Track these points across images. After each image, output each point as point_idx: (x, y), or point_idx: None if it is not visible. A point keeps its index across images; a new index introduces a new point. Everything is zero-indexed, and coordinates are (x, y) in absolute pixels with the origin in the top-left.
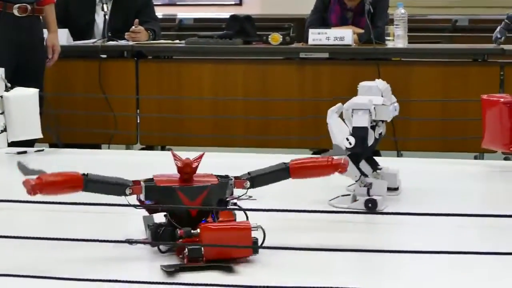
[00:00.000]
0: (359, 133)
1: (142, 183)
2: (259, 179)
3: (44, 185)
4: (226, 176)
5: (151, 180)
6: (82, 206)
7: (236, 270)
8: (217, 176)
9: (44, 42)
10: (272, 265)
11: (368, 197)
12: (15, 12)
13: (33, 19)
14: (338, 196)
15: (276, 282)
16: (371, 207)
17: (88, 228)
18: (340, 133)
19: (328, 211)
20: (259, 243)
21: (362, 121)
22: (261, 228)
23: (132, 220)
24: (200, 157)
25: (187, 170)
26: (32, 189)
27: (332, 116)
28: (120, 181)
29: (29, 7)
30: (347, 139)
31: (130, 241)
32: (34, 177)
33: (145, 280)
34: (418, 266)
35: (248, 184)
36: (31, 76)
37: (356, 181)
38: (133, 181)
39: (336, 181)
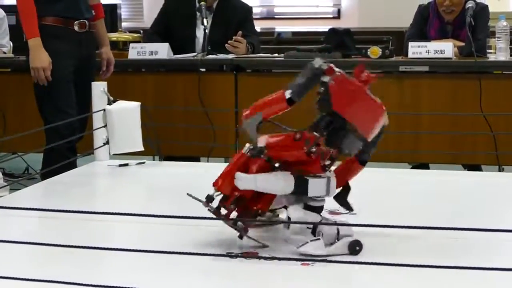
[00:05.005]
0: None
1: None
2: None
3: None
4: None
5: None
6: (187, 219)
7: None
8: None
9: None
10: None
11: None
12: (76, 28)
13: (89, 34)
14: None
15: None
16: (358, 250)
17: (181, 240)
18: None
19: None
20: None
21: None
22: None
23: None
24: None
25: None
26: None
27: None
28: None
29: (87, 23)
30: None
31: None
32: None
33: None
34: None
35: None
36: (86, 87)
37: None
38: None
39: None
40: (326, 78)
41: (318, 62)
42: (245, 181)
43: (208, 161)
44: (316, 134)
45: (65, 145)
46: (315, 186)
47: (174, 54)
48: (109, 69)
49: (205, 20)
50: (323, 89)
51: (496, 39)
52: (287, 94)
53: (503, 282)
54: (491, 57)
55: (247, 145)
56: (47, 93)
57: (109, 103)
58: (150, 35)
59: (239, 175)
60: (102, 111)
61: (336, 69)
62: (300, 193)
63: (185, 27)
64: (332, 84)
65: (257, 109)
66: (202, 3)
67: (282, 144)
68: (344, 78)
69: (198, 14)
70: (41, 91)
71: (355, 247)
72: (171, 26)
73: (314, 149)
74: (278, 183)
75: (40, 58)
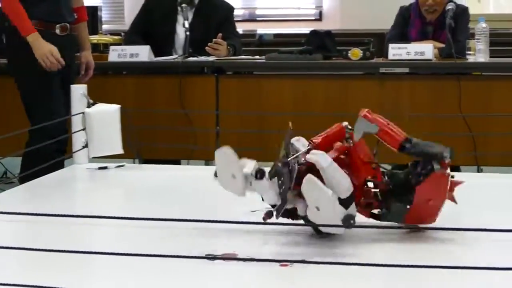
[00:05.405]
0: None
1: None
2: None
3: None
4: None
5: None
6: (166, 222)
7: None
8: None
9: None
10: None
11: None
12: (57, 31)
13: (71, 37)
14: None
15: None
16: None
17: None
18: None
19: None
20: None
21: None
22: None
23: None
24: None
25: None
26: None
27: None
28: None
29: (68, 26)
30: None
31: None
32: None
33: None
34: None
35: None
36: (68, 90)
37: None
38: None
39: None
40: (437, 166)
41: (447, 152)
42: (320, 157)
43: (188, 164)
44: (384, 179)
45: (54, 146)
46: (352, 210)
47: (154, 50)
48: (88, 73)
49: (186, 22)
50: (428, 169)
51: (476, 40)
52: (406, 142)
53: (502, 282)
54: (471, 59)
55: (345, 123)
56: (36, 97)
57: (89, 106)
58: (129, 34)
59: (315, 151)
60: (81, 114)
61: (449, 169)
62: (344, 203)
63: (165, 23)
64: (436, 174)
65: (378, 123)
66: (184, 5)
67: (360, 161)
68: (446, 180)
69: (179, 9)
70: (30, 96)
71: (349, 220)
72: (151, 22)
73: (371, 187)
74: (343, 181)
75: (44, 46)
